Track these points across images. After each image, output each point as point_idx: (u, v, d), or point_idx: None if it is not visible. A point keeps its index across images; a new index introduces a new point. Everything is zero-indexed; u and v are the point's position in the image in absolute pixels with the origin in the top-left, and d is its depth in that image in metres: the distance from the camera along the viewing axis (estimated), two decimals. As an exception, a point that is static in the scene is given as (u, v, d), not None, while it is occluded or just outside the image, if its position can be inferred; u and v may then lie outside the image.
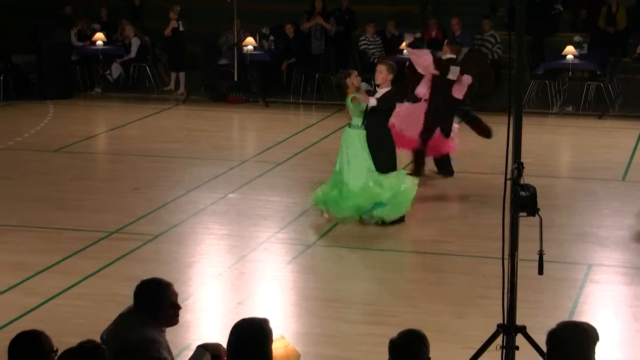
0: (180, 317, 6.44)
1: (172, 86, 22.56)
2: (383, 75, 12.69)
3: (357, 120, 12.54)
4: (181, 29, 22.26)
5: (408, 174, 12.85)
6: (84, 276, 10.64)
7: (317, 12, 22.76)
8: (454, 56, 14.64)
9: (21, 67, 21.83)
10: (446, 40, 15.85)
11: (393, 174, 12.46)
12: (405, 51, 19.87)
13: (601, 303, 10.18)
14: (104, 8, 23.90)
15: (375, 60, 21.46)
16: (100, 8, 24.03)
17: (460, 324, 9.38)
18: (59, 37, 21.91)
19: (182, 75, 22.41)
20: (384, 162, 12.51)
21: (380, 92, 12.68)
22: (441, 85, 14.35)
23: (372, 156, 12.44)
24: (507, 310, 7.30)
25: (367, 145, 12.45)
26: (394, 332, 5.65)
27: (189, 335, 8.93)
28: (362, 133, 12.50)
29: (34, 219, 12.79)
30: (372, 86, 14.25)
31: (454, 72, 14.31)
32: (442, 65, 14.28)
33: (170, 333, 6.51)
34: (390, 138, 12.77)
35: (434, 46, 21.65)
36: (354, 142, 12.48)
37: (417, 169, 14.49)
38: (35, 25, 22.10)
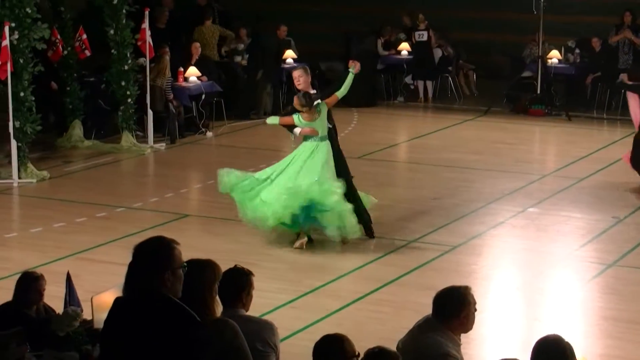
0: (475, 331, 6.42)
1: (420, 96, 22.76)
2: (304, 78, 12.12)
3: (325, 129, 12.02)
4: (425, 39, 22.44)
5: None
6: (384, 283, 10.83)
7: (626, 25, 22.14)
8: None
9: (325, 74, 22.44)
10: None
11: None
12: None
13: None
14: (406, 17, 24.14)
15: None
16: (402, 17, 24.32)
17: None
18: (367, 45, 22.46)
19: (428, 84, 22.63)
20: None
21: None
22: None
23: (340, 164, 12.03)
24: None
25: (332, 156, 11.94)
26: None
27: (484, 349, 8.91)
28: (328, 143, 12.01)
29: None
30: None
31: None
32: None
33: (465, 347, 6.53)
34: None
35: None
36: (320, 154, 11.88)
37: None
38: (348, 35, 22.78)
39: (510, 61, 23.31)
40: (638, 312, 10.12)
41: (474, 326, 6.52)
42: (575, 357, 5.58)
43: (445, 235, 12.59)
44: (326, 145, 11.97)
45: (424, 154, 17.69)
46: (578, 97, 21.83)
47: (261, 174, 12.19)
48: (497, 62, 23.98)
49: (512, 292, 10.73)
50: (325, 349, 5.68)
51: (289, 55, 21.78)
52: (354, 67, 12.11)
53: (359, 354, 5.67)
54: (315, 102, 11.92)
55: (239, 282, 6.37)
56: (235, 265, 6.38)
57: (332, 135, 12.20)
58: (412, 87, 23.25)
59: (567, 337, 5.75)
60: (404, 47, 23.19)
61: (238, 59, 21.46)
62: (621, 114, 20.89)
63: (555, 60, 21.99)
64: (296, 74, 12.31)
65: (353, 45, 22.73)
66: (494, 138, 18.95)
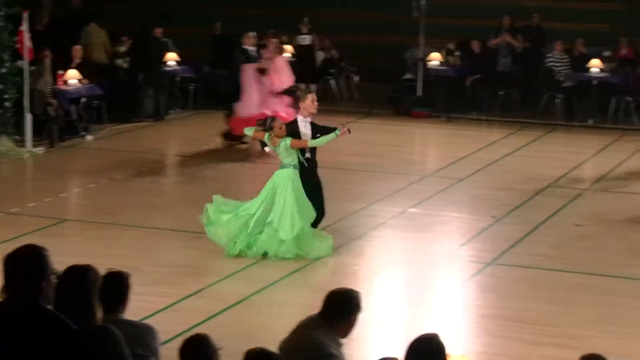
0: (357, 331, 6.48)
1: None
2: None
3: (292, 160, 11.82)
4: (308, 42, 22.65)
5: None
6: (266, 284, 10.81)
7: (505, 28, 22.57)
8: None
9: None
10: None
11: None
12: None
13: None
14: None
15: (562, 78, 21.20)
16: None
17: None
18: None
19: (312, 86, 22.81)
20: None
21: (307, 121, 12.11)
22: None
23: (314, 195, 11.93)
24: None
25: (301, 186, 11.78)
26: (577, 356, 5.54)
27: (367, 348, 8.95)
28: (296, 172, 11.83)
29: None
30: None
31: None
32: None
33: (347, 347, 6.57)
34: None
35: (625, 65, 21.23)
36: (288, 183, 11.75)
37: None
38: (229, 38, 22.85)
39: (392, 64, 23.54)
40: (516, 309, 10.29)
41: (356, 326, 6.59)
42: (445, 355, 5.64)
43: (328, 237, 12.62)
44: (287, 174, 11.76)
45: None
46: (458, 99, 22.16)
47: (248, 207, 11.88)
48: (379, 65, 24.19)
49: (393, 292, 10.82)
50: (188, 348, 5.67)
51: (171, 57, 21.63)
52: (340, 131, 11.85)
53: (220, 347, 5.70)
54: (285, 137, 11.73)
55: (118, 286, 6.31)
56: (112, 269, 6.31)
57: (307, 167, 11.98)
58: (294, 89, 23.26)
59: (446, 336, 5.82)
60: (287, 50, 23.20)
61: (119, 61, 21.24)
62: (500, 115, 21.31)
63: (436, 63, 22.29)
64: (313, 97, 12.28)
65: (235, 48, 22.60)
66: (376, 140, 19.10)
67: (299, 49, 23.11)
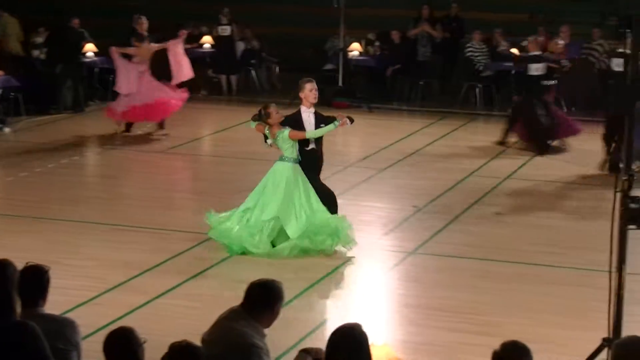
0: (281, 321, 6.49)
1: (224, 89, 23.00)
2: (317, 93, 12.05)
3: (293, 152, 11.73)
4: (228, 33, 22.61)
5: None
6: (189, 276, 10.77)
7: (424, 18, 22.72)
8: None
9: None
10: None
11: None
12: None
13: None
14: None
15: (481, 68, 21.41)
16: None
17: (567, 336, 9.24)
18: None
19: (232, 77, 22.80)
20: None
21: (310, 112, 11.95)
22: None
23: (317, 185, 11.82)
24: (612, 324, 7.19)
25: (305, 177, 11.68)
26: (498, 343, 5.60)
27: (290, 339, 8.95)
28: (297, 166, 11.73)
29: (141, 219, 12.98)
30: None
31: None
32: None
33: (270, 337, 6.58)
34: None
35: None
36: (288, 176, 11.67)
37: None
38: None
39: (314, 54, 23.57)
40: (437, 298, 10.36)
41: (280, 317, 6.64)
42: (368, 344, 5.68)
43: (250, 228, 12.59)
44: (286, 168, 11.67)
45: (230, 147, 17.69)
46: (379, 89, 22.26)
47: (245, 204, 11.78)
48: (300, 55, 24.18)
49: (316, 283, 10.82)
50: (113, 342, 5.64)
51: (89, 48, 21.40)
52: (340, 121, 11.67)
53: (145, 340, 5.68)
54: (282, 129, 11.61)
55: (37, 280, 6.23)
56: (31, 263, 6.23)
57: (309, 157, 11.82)
58: (215, 80, 23.22)
59: (369, 325, 5.85)
60: (207, 41, 23.14)
61: (36, 52, 20.95)
62: (421, 105, 21.46)
63: (356, 53, 22.37)
64: (312, 86, 12.01)
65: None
66: (298, 130, 19.07)
67: (219, 40, 23.01)
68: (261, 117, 11.73)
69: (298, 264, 11.31)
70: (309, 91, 11.96)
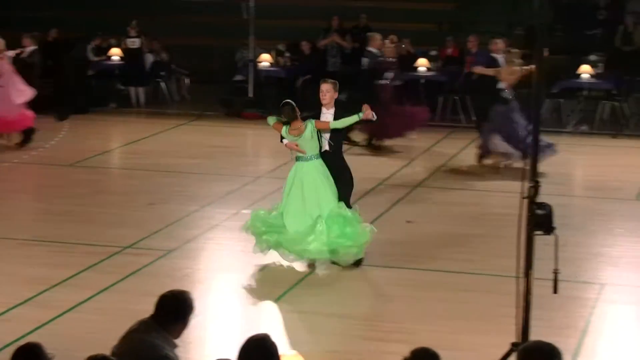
0: (192, 334, 6.45)
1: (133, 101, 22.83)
2: (331, 94, 11.73)
3: (315, 148, 11.63)
4: (137, 45, 22.51)
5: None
6: (98, 290, 10.65)
7: (333, 29, 22.83)
8: None
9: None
10: None
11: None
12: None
13: (613, 323, 10.12)
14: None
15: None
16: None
17: (477, 341, 9.32)
18: (76, 52, 22.15)
19: (140, 90, 22.67)
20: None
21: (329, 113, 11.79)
22: None
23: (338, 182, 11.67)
24: (520, 328, 7.28)
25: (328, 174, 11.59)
26: (407, 350, 5.62)
27: (202, 350, 8.91)
28: (320, 160, 11.67)
29: (49, 233, 12.82)
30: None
31: None
32: None
33: (183, 349, 6.53)
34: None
35: (451, 63, 21.75)
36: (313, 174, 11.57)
37: None
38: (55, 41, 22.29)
39: (223, 65, 23.52)
40: (349, 306, 10.41)
41: (192, 329, 6.62)
42: (279, 355, 5.68)
43: (160, 240, 12.52)
44: (313, 166, 11.52)
45: (139, 159, 17.56)
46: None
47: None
48: (210, 67, 24.13)
49: (228, 294, 10.79)
50: (20, 357, 5.57)
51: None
52: (364, 113, 11.35)
53: (53, 355, 5.64)
54: (307, 121, 11.46)
55: None
56: None
57: (332, 153, 11.69)
58: (124, 92, 23.04)
59: (279, 336, 5.84)
60: (115, 53, 22.95)
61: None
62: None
63: (266, 64, 22.37)
64: (324, 87, 11.72)
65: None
66: (209, 142, 19.04)
67: (128, 52, 22.84)
68: (290, 116, 11.57)
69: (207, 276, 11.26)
70: (320, 92, 11.84)
